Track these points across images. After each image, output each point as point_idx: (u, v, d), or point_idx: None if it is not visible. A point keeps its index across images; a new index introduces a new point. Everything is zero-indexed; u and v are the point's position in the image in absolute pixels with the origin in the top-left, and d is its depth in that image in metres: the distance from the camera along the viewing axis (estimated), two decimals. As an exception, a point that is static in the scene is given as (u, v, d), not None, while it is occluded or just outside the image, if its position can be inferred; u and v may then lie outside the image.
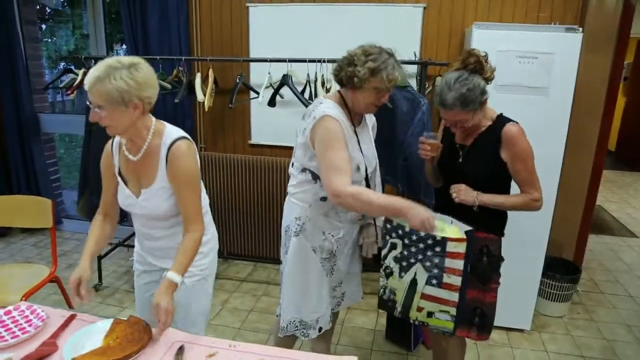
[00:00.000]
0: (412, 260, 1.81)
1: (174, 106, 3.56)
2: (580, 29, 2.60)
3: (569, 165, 2.98)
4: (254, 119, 3.63)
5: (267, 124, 3.60)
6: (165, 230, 1.73)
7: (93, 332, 1.46)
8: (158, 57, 3.01)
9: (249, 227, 3.76)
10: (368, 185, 1.92)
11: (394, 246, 1.84)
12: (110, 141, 1.72)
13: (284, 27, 3.34)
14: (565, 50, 2.56)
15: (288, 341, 2.16)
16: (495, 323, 2.06)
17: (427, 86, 3.00)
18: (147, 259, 1.82)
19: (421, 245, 1.78)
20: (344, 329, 2.96)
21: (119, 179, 1.70)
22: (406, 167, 2.77)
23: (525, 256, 2.77)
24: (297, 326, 2.02)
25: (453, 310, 1.79)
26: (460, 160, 1.94)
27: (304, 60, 2.85)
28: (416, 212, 1.62)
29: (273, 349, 1.52)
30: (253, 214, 3.72)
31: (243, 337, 2.87)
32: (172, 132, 1.65)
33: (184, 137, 1.64)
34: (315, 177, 1.86)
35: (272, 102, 3.12)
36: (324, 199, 1.87)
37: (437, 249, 1.75)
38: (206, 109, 3.11)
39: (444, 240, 1.73)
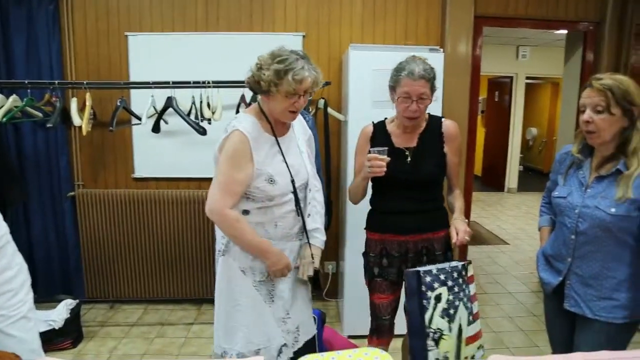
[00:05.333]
0: (457, 303, 1.65)
1: (45, 139, 3.28)
2: (442, 49, 2.93)
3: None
4: (137, 151, 3.43)
5: (151, 156, 3.42)
6: None
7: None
8: (26, 81, 2.74)
9: (136, 267, 3.48)
10: (297, 199, 1.81)
11: (438, 299, 1.63)
12: None
13: (166, 56, 3.27)
14: (431, 67, 2.86)
15: None
16: (395, 331, 2.11)
17: (310, 110, 3.13)
18: None
19: (460, 279, 1.69)
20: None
21: None
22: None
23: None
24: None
25: (481, 341, 1.74)
26: (409, 160, 1.90)
27: (188, 83, 2.81)
28: (277, 260, 1.71)
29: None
30: (141, 253, 3.46)
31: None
32: None
33: None
34: None
35: (156, 128, 3.00)
36: (246, 212, 1.76)
37: (463, 273, 1.71)
38: (84, 133, 2.88)
39: (465, 265, 1.74)
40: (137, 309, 3.49)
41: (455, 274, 1.69)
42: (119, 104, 2.89)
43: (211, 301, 2.00)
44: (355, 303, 2.95)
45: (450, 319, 1.63)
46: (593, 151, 1.63)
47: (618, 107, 1.48)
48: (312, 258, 1.88)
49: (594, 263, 1.59)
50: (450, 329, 1.62)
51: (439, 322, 1.61)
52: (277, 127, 1.80)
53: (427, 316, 1.60)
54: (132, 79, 3.28)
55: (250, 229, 1.73)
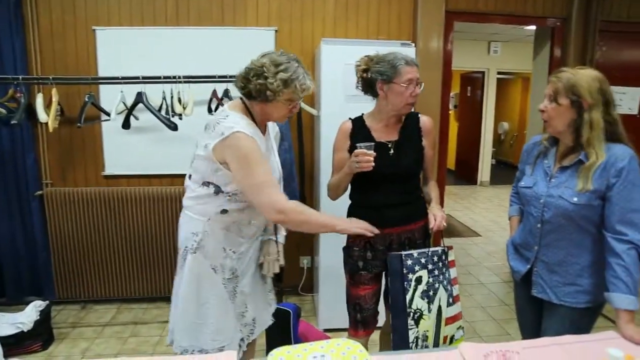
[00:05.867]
0: (437, 285, 1.75)
1: (10, 137, 3.19)
2: (413, 44, 2.96)
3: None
4: (107, 148, 3.36)
5: (121, 153, 3.36)
6: None
7: None
8: (-14, 77, 2.66)
9: (108, 266, 3.42)
10: None
11: (419, 281, 1.73)
12: None
13: (135, 51, 3.21)
14: (403, 62, 2.88)
15: None
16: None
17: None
18: None
19: (440, 263, 1.78)
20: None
21: None
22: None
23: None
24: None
25: (461, 322, 1.82)
26: (392, 152, 1.93)
27: (158, 78, 2.76)
28: (350, 222, 1.74)
29: None
30: (113, 251, 3.40)
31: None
32: None
33: None
34: (219, 190, 1.71)
35: (126, 124, 2.95)
36: (224, 211, 1.73)
37: (443, 258, 1.81)
38: (50, 130, 2.81)
39: (445, 250, 1.83)
40: (110, 309, 3.44)
41: (435, 258, 1.78)
42: (87, 99, 2.82)
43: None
44: (331, 297, 2.97)
45: (430, 300, 1.73)
46: (558, 142, 1.68)
47: (565, 97, 1.55)
48: (278, 255, 1.89)
49: (558, 250, 1.64)
50: (429, 310, 1.73)
51: (418, 303, 1.72)
52: (261, 128, 1.79)
53: (407, 297, 1.70)
54: (101, 74, 3.20)
55: (312, 210, 1.76)
